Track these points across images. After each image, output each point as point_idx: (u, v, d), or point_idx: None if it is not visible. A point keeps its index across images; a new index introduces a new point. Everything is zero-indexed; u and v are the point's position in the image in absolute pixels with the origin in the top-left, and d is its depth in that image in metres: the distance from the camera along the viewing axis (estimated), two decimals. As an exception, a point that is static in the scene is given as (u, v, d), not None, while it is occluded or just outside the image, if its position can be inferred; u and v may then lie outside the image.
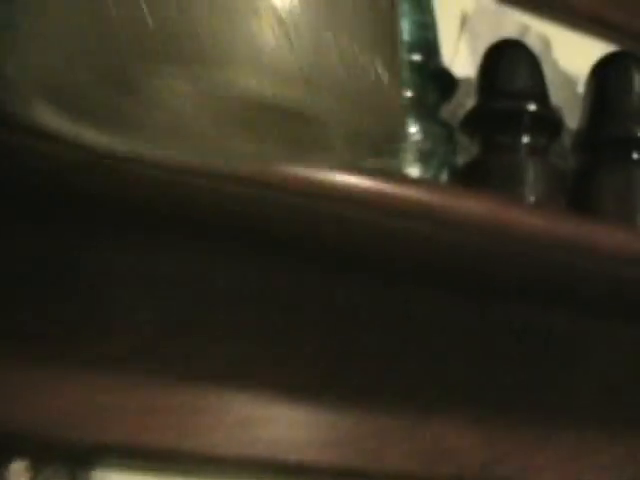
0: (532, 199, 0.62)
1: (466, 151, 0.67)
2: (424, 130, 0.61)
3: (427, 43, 0.65)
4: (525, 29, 0.85)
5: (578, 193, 0.66)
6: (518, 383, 0.74)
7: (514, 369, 0.74)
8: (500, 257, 0.62)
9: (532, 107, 0.65)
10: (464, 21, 0.86)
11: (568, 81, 0.80)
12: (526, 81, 0.67)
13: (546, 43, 0.82)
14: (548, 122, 0.66)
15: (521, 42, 0.70)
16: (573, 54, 0.82)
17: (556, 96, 0.77)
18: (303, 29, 0.27)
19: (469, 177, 0.64)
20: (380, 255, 0.63)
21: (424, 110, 0.63)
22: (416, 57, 0.63)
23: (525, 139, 0.65)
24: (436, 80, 0.64)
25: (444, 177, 0.62)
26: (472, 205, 0.56)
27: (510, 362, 0.74)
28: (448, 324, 0.72)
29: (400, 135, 0.35)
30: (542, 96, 0.67)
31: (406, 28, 0.64)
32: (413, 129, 0.61)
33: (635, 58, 0.70)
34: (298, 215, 0.55)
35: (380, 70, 0.29)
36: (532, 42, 0.82)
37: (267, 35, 0.27)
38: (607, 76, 0.70)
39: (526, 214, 0.57)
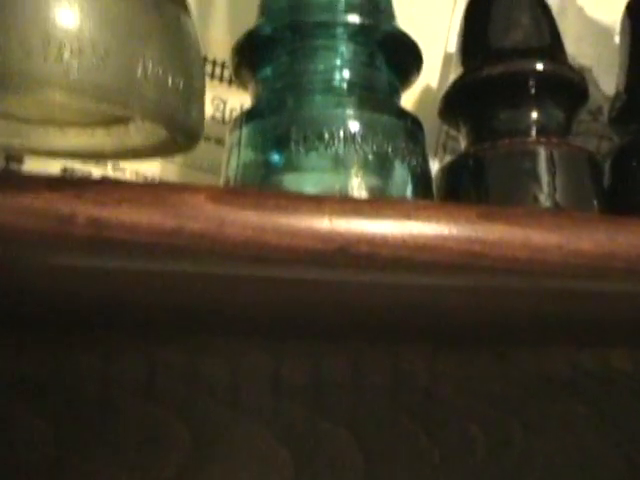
0: (548, 203, 0.40)
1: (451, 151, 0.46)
2: (371, 125, 0.40)
3: (373, 0, 0.44)
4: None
5: (619, 187, 0.44)
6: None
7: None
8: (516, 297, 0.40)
9: (539, 66, 0.43)
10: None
11: (603, 35, 0.58)
12: (528, 31, 0.45)
13: (567, -13, 0.60)
14: (565, 86, 0.44)
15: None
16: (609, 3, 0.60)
17: (586, 55, 0.55)
18: (113, 55, 0.30)
19: (452, 184, 0.43)
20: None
21: (370, 95, 0.42)
22: (353, 18, 0.42)
23: (533, 114, 0.43)
24: (388, 50, 0.43)
25: (408, 191, 0.40)
26: (463, 230, 0.34)
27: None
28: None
29: (195, 134, 0.34)
30: (555, 50, 0.45)
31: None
32: (354, 124, 0.40)
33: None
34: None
35: (173, 78, 0.32)
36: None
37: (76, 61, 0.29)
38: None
39: (541, 231, 0.35)
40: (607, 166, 0.46)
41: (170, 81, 0.31)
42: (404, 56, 0.43)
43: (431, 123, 0.52)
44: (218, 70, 0.54)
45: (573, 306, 0.41)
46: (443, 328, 0.50)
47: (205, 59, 0.52)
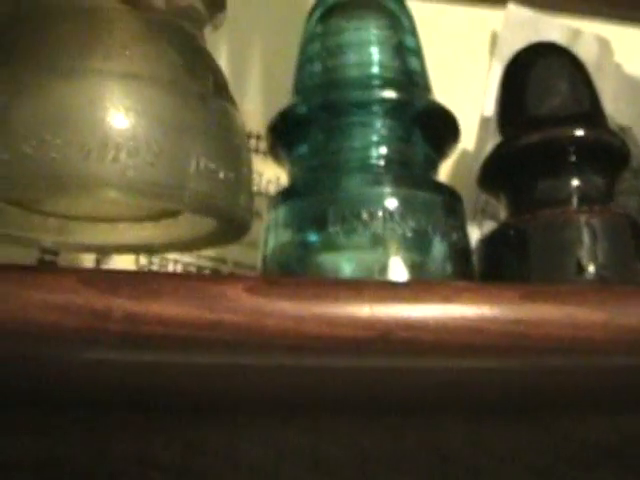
0: (591, 273, 0.39)
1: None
2: (409, 202, 0.40)
3: (408, 74, 0.44)
4: (575, 34, 0.63)
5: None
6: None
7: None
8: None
9: (578, 132, 0.42)
10: (494, 41, 0.65)
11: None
12: (566, 97, 0.44)
13: (605, 45, 0.60)
14: (606, 152, 0.43)
15: (555, 44, 0.47)
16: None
17: (625, 113, 0.54)
18: (166, 153, 0.31)
19: (493, 256, 0.42)
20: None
21: (407, 171, 0.42)
22: (389, 94, 0.42)
23: (574, 183, 0.42)
24: (424, 124, 0.43)
25: (448, 267, 0.40)
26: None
27: None
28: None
29: (244, 224, 0.35)
30: (594, 115, 0.44)
31: (374, 57, 0.43)
32: (392, 202, 0.39)
33: None
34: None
35: (225, 171, 0.32)
36: (585, 49, 0.60)
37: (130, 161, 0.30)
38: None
39: (585, 308, 0.34)
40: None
41: (222, 174, 0.32)
42: (441, 129, 0.43)
43: (468, 187, 0.52)
44: (253, 142, 0.54)
45: (618, 380, 0.40)
46: (486, 399, 0.49)
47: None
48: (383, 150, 0.41)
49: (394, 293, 0.31)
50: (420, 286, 0.32)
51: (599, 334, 0.32)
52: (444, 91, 0.47)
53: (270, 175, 0.55)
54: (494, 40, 0.65)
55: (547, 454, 0.55)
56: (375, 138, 0.42)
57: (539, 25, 0.62)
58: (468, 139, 0.60)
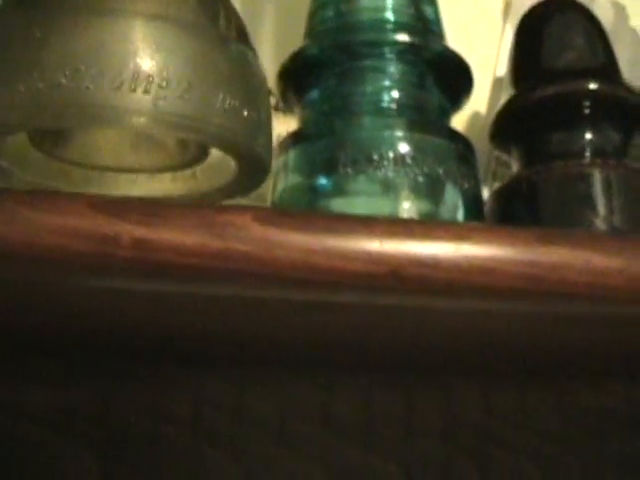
0: (604, 228, 0.39)
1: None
2: (422, 147, 0.39)
3: (422, 20, 0.43)
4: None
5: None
6: None
7: None
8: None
9: (593, 86, 0.42)
10: (507, 5, 0.65)
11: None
12: (582, 51, 0.44)
13: (620, 10, 0.59)
14: (621, 107, 0.42)
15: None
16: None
17: (636, 80, 0.54)
18: (195, 88, 0.32)
19: (505, 208, 0.42)
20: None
21: (420, 116, 0.41)
22: (402, 37, 0.41)
23: (588, 136, 0.42)
24: (438, 70, 0.42)
25: (459, 215, 0.39)
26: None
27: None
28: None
29: (264, 165, 0.36)
30: (609, 70, 0.44)
31: (388, 2, 0.42)
32: (404, 146, 0.39)
33: None
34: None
35: (248, 110, 0.34)
36: (600, 13, 0.59)
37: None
38: None
39: (603, 254, 0.33)
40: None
41: (245, 113, 0.34)
42: (455, 77, 0.42)
43: (480, 150, 0.51)
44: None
45: (633, 335, 0.39)
46: (497, 360, 0.48)
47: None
48: (395, 94, 0.41)
49: (406, 229, 0.30)
50: (433, 224, 0.31)
51: (616, 281, 0.32)
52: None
53: (281, 130, 0.53)
54: (508, 4, 0.64)
55: (558, 420, 0.54)
56: (388, 82, 0.41)
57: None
58: (480, 101, 0.59)
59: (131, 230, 0.29)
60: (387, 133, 0.39)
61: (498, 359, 0.47)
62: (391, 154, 0.38)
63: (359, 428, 0.51)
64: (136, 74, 0.31)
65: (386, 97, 0.41)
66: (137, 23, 0.32)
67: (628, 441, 0.55)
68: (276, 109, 0.51)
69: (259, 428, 0.50)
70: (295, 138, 0.41)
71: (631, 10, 0.59)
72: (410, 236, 0.30)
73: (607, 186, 0.40)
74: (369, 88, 0.41)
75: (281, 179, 0.40)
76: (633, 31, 0.57)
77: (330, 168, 0.38)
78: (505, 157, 0.47)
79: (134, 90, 0.31)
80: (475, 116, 0.58)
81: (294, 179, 0.39)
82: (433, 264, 0.30)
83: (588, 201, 0.40)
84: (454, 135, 0.41)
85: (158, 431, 0.49)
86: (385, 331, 0.39)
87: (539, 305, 0.32)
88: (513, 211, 0.41)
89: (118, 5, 0.32)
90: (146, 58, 0.31)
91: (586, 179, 0.40)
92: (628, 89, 0.43)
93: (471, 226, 0.32)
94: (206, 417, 0.50)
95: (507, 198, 0.41)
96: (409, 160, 0.38)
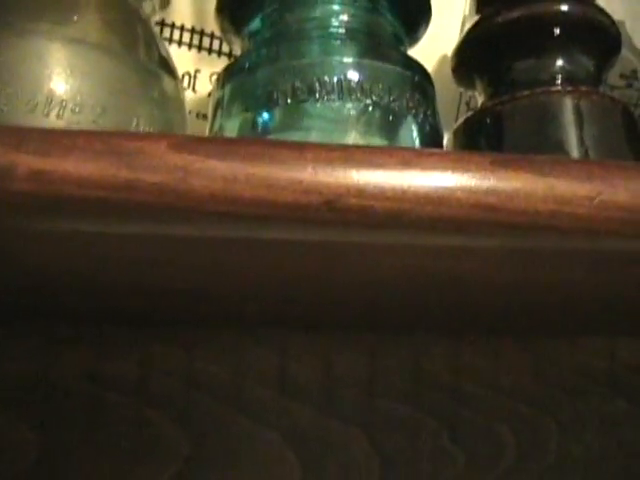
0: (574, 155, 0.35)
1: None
2: (373, 74, 0.35)
3: None
4: None
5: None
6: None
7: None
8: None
9: (563, 7, 0.38)
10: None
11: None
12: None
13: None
14: (594, 30, 0.39)
15: None
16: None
17: (617, 11, 0.50)
18: (109, 112, 0.32)
19: (467, 143, 0.38)
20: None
21: (372, 42, 0.37)
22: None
23: (558, 63, 0.38)
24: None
25: (415, 144, 0.35)
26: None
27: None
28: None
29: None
30: (582, -7, 0.40)
31: None
32: (353, 73, 0.35)
33: None
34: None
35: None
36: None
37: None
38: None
39: (568, 180, 0.29)
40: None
41: None
42: (411, 3, 0.38)
43: (449, 95, 0.48)
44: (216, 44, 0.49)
45: (612, 276, 0.36)
46: (464, 313, 0.44)
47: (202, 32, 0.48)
48: (345, 18, 0.37)
49: (343, 155, 0.27)
50: (374, 149, 0.27)
51: (583, 209, 0.28)
52: None
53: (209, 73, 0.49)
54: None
55: (532, 378, 0.51)
56: (336, 6, 0.37)
57: None
58: (450, 44, 0.55)
59: (27, 160, 0.25)
60: (334, 59, 0.35)
61: (466, 312, 0.43)
62: (336, 81, 0.34)
63: (318, 390, 0.48)
64: (50, 98, 0.31)
65: (334, 21, 0.37)
66: (54, 46, 0.32)
67: (606, 398, 0.51)
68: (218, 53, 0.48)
69: (210, 393, 0.46)
70: (232, 70, 0.37)
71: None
72: (347, 162, 0.27)
73: (578, 115, 0.36)
74: (316, 12, 0.37)
75: (218, 116, 0.36)
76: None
77: (271, 100, 0.35)
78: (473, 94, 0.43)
79: (47, 115, 0.31)
80: (443, 60, 0.54)
81: (232, 115, 0.36)
82: (376, 193, 0.26)
83: (557, 131, 0.36)
84: (409, 63, 0.37)
85: (101, 397, 0.45)
86: (331, 279, 0.35)
87: (497, 238, 0.28)
88: (476, 146, 0.37)
89: (38, 27, 0.32)
90: (60, 82, 0.32)
91: (554, 107, 0.36)
92: (601, 10, 0.39)
93: (418, 151, 0.28)
94: (153, 381, 0.46)
95: (470, 132, 0.38)
96: (359, 89, 0.34)
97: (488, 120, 0.37)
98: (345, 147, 0.27)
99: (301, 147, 0.27)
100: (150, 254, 0.31)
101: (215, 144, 0.27)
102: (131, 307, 0.42)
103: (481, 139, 0.37)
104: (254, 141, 0.27)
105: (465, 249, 0.29)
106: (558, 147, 0.35)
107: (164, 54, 0.36)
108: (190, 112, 0.46)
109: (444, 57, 0.55)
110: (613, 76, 0.51)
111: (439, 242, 0.28)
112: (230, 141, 0.27)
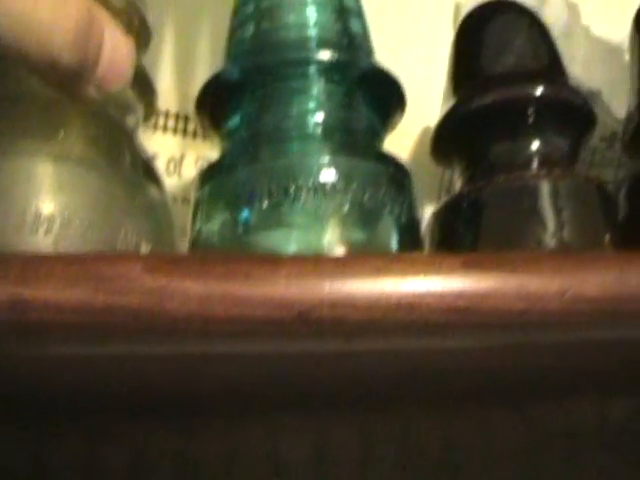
0: (553, 244, 0.35)
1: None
2: (348, 172, 0.36)
3: (349, 36, 0.40)
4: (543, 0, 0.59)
5: (635, 218, 0.39)
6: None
7: None
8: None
9: (535, 90, 0.39)
10: (457, 12, 0.62)
11: (613, 55, 0.53)
12: (522, 54, 0.40)
13: (573, 9, 0.56)
14: (567, 111, 0.39)
15: (511, 1, 0.43)
16: (614, 19, 0.55)
17: (596, 79, 0.51)
18: (96, 227, 0.33)
19: (445, 230, 0.38)
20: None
21: (349, 139, 0.38)
22: (326, 55, 0.38)
23: (533, 145, 0.39)
24: (367, 88, 0.39)
25: (393, 243, 0.36)
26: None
27: None
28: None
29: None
30: (553, 72, 0.41)
31: (311, 18, 0.39)
32: (329, 173, 0.35)
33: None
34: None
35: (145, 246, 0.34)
36: (554, 14, 0.56)
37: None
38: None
39: (539, 276, 0.30)
40: (621, 195, 0.41)
41: (144, 247, 0.34)
42: (385, 94, 0.39)
43: (433, 168, 0.48)
44: (173, 122, 0.50)
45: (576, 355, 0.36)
46: (449, 391, 0.44)
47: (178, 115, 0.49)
48: (321, 117, 0.38)
49: (315, 268, 0.27)
50: (346, 259, 0.28)
51: (553, 305, 0.29)
52: (406, 65, 0.44)
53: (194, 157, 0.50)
54: (458, 11, 0.61)
55: (526, 445, 0.51)
56: (312, 104, 0.38)
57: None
58: (432, 115, 0.56)
59: (7, 288, 0.26)
60: (310, 159, 0.36)
61: (451, 389, 0.44)
62: (316, 183, 0.35)
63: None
64: (38, 215, 0.32)
65: (311, 120, 0.38)
66: (41, 164, 0.33)
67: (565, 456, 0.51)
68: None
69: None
70: (211, 171, 0.38)
71: (583, 9, 0.55)
72: (320, 275, 0.27)
73: (554, 198, 0.37)
74: (293, 111, 0.38)
75: (199, 215, 0.37)
76: (586, 29, 0.54)
77: (251, 201, 0.35)
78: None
79: (36, 231, 0.31)
80: (426, 132, 0.55)
81: (212, 216, 0.36)
82: (348, 304, 0.27)
83: (534, 216, 0.36)
84: (386, 158, 0.38)
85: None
86: (305, 378, 0.36)
87: (471, 338, 0.29)
88: (454, 232, 0.38)
89: (24, 147, 0.33)
90: (48, 199, 0.32)
91: (531, 192, 0.37)
92: (574, 91, 0.40)
93: (389, 257, 0.28)
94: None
95: (448, 218, 0.38)
96: (335, 188, 0.35)
97: (465, 205, 0.37)
98: (316, 259, 0.28)
99: (274, 262, 0.27)
100: (134, 367, 0.32)
101: (189, 264, 0.27)
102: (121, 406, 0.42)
103: (459, 225, 0.37)
104: (228, 258, 0.28)
105: (440, 348, 0.30)
106: (535, 233, 0.36)
107: (148, 165, 0.37)
108: (176, 199, 0.47)
109: (426, 128, 0.56)
110: (594, 139, 0.52)
111: (413, 346, 0.29)
112: (204, 260, 0.28)
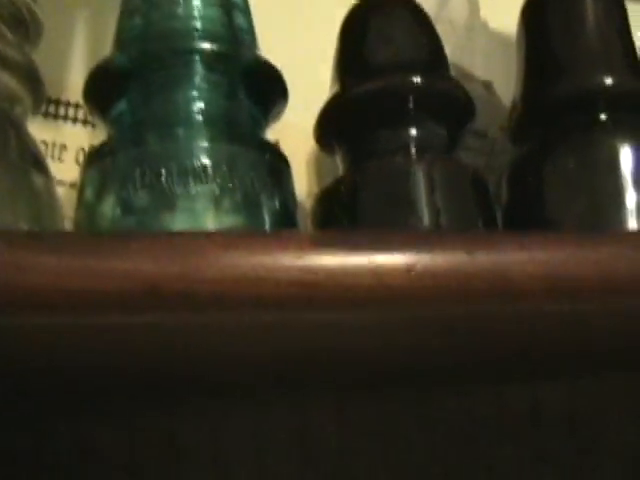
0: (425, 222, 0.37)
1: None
2: (224, 159, 0.37)
3: (234, 29, 0.41)
4: (445, -3, 0.60)
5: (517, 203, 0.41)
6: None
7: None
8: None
9: (413, 79, 0.40)
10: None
11: (510, 49, 0.55)
12: (403, 46, 0.42)
13: (473, 4, 0.58)
14: (445, 101, 0.41)
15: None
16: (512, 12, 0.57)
17: (495, 71, 0.52)
18: None
19: (323, 215, 0.40)
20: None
21: (230, 128, 0.39)
22: (210, 46, 0.40)
23: (410, 133, 0.40)
24: (250, 80, 0.40)
25: (267, 228, 0.37)
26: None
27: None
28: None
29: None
30: (434, 64, 0.42)
31: (196, 10, 0.41)
32: (204, 158, 0.37)
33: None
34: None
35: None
36: (456, 10, 0.58)
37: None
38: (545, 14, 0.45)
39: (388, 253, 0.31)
40: (503, 181, 0.42)
41: None
42: (268, 86, 0.41)
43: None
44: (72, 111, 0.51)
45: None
46: (342, 374, 0.46)
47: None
48: (202, 105, 0.39)
49: (165, 244, 0.29)
50: (195, 234, 0.29)
51: (401, 281, 0.30)
52: (304, 64, 0.47)
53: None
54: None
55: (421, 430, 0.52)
56: (196, 93, 0.39)
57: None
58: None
59: None
60: (191, 144, 0.37)
61: (343, 372, 0.45)
62: (192, 166, 0.36)
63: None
64: None
65: (194, 107, 0.39)
66: None
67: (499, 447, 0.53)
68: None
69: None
70: (98, 153, 0.39)
71: (482, 3, 0.57)
72: (169, 250, 0.28)
73: (428, 181, 0.38)
74: (177, 98, 0.39)
75: (80, 199, 0.38)
76: (485, 23, 0.56)
77: (135, 184, 0.37)
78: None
79: None
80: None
81: (94, 199, 0.37)
82: (197, 278, 0.28)
83: (408, 200, 0.38)
84: (264, 146, 0.39)
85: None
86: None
87: (320, 315, 0.30)
88: (332, 217, 0.39)
89: None
90: None
91: (404, 176, 0.38)
92: (452, 82, 0.42)
93: (239, 233, 0.30)
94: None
95: (327, 202, 0.40)
96: (210, 172, 0.36)
97: (343, 189, 0.39)
98: (169, 235, 0.29)
99: (128, 237, 0.29)
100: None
101: (46, 240, 0.28)
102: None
103: (338, 209, 0.39)
104: (83, 235, 0.29)
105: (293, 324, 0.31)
106: (410, 214, 0.37)
107: (38, 155, 0.38)
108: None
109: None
110: (492, 129, 0.54)
111: (264, 320, 0.30)
112: (64, 236, 0.29)
